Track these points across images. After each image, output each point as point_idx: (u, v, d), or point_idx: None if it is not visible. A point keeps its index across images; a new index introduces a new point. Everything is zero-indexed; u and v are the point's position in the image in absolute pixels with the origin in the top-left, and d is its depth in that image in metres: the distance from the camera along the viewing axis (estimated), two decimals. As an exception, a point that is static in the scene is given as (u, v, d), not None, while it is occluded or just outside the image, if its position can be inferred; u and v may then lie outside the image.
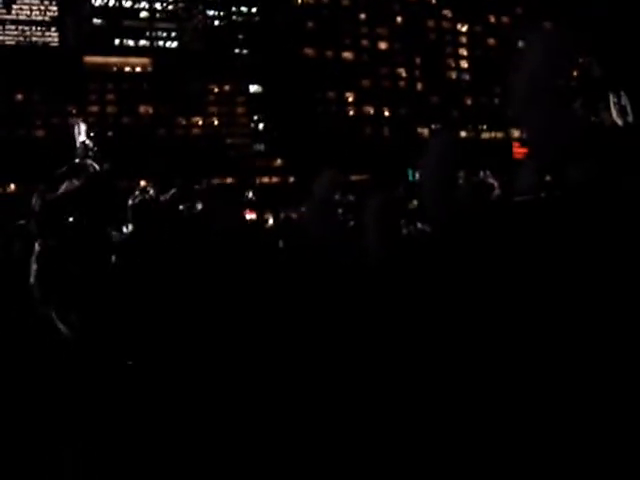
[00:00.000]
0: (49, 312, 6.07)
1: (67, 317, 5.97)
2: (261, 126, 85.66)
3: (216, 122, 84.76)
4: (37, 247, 6.31)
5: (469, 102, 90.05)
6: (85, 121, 6.87)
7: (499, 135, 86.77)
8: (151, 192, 8.42)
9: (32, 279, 6.17)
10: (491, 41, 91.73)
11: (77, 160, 6.67)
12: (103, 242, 6.53)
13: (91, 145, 6.67)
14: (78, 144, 6.78)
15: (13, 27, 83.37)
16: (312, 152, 70.69)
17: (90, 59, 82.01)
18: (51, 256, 6.07)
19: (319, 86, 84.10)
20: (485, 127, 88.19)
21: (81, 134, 6.79)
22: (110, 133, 74.39)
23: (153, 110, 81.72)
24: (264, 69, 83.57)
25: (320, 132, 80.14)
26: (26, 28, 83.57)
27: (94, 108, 79.94)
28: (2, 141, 73.78)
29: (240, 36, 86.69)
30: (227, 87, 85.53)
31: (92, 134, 6.72)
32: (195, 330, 6.86)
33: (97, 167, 6.48)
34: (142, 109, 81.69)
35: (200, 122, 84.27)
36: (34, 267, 6.19)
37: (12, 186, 72.58)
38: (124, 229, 7.94)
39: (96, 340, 6.13)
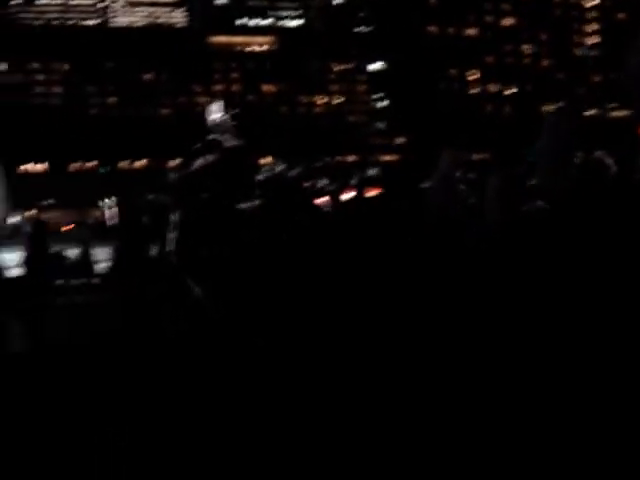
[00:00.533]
0: (185, 278, 6.45)
1: (201, 283, 6.35)
2: (382, 104, 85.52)
3: (337, 100, 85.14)
4: (174, 218, 6.71)
5: (597, 79, 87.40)
6: (220, 100, 7.26)
7: (628, 113, 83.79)
8: (279, 168, 8.74)
9: (169, 248, 6.57)
10: (621, 15, 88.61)
11: (212, 137, 7.04)
12: (234, 214, 6.87)
13: (226, 122, 7.04)
14: (213, 122, 7.15)
15: (142, 9, 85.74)
16: (434, 130, 70.23)
17: (215, 39, 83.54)
18: (188, 227, 6.45)
19: (441, 64, 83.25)
20: (613, 105, 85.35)
21: (216, 112, 7.16)
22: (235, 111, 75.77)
23: (276, 88, 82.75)
24: (386, 47, 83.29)
25: (442, 110, 79.43)
26: (154, 9, 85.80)
27: (219, 87, 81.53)
28: (131, 119, 76.35)
29: (361, 14, 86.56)
30: (348, 65, 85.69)
31: (228, 112, 7.10)
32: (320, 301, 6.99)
33: (232, 143, 6.84)
34: (265, 87, 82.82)
35: (322, 100, 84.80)
36: (171, 236, 6.59)
37: (140, 162, 74.97)
38: (252, 202, 8.25)
39: (227, 306, 6.44)
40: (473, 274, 6.85)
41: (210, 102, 7.38)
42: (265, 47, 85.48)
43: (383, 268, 7.36)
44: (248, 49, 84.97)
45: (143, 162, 74.78)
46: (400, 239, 8.18)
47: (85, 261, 21.45)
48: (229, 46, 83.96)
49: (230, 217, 6.90)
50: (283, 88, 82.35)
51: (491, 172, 7.36)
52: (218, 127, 7.19)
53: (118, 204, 48.90)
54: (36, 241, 13.05)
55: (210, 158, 6.77)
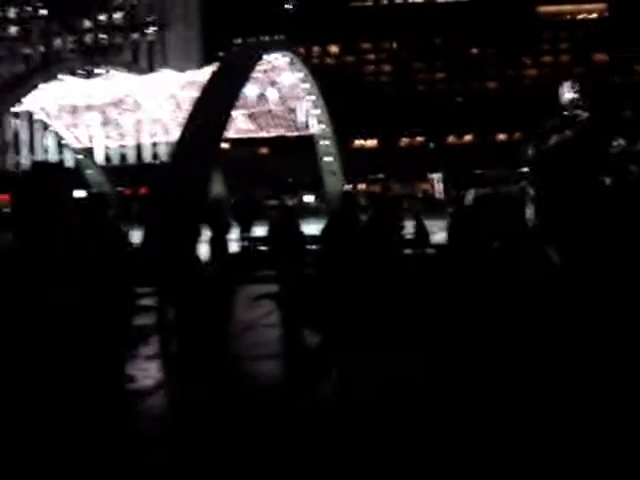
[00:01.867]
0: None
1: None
2: None
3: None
4: (531, 192, 7.03)
5: None
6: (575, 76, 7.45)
7: None
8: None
9: (529, 221, 6.89)
10: None
11: (567, 113, 7.26)
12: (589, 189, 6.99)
13: (579, 99, 7.20)
14: (567, 99, 7.35)
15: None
16: None
17: (543, 9, 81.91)
18: (546, 201, 6.71)
19: None
20: None
21: (569, 89, 7.35)
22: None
23: (608, 57, 79.42)
24: None
25: None
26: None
27: (547, 58, 79.95)
28: (458, 94, 77.32)
29: None
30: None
31: (581, 89, 7.25)
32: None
33: (588, 118, 7.00)
34: (597, 56, 79.80)
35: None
36: (530, 211, 6.90)
37: (468, 136, 75.63)
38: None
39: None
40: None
41: (563, 79, 7.60)
42: (596, 14, 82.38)
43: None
44: (578, 17, 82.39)
45: (470, 136, 75.37)
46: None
47: (420, 232, 22.30)
48: (558, 15, 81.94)
49: (584, 192, 7.06)
50: (616, 56, 78.83)
51: None
52: (572, 104, 7.38)
53: (445, 178, 50.08)
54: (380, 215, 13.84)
55: (567, 134, 6.98)
